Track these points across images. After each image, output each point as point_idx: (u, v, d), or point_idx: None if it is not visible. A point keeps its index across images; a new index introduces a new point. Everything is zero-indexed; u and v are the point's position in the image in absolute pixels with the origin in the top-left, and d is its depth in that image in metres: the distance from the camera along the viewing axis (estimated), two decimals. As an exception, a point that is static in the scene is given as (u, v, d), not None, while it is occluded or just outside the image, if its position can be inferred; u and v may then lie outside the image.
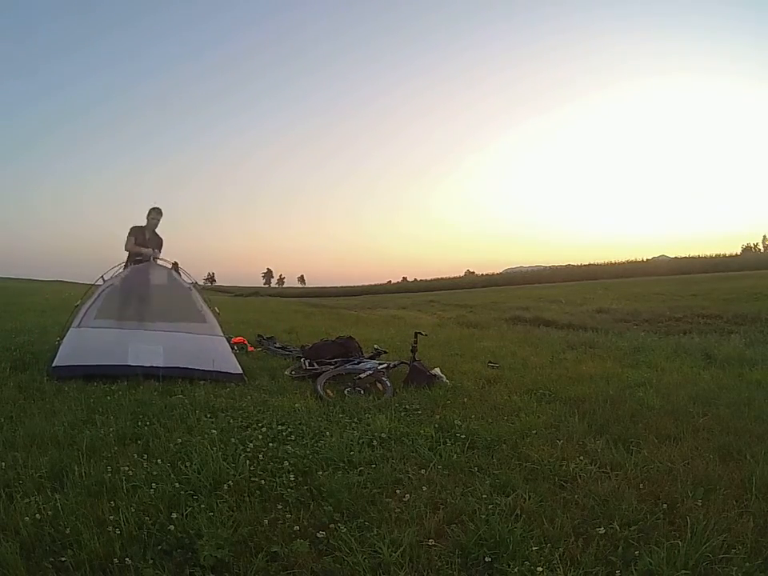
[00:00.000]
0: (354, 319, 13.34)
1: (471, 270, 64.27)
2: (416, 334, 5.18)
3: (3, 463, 2.59)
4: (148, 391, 4.11)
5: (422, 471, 2.65)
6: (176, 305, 4.94)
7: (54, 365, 4.54)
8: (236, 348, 6.19)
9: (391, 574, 1.82)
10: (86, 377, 4.41)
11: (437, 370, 4.88)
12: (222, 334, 4.97)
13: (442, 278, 54.11)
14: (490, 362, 5.87)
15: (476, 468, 2.70)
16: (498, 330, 10.06)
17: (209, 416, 3.53)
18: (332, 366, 4.99)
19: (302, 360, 5.32)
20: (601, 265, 43.87)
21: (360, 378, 4.56)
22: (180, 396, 3.98)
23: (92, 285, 5.05)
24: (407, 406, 3.84)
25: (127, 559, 1.83)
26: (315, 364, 5.16)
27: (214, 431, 3.13)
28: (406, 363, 4.95)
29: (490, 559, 1.89)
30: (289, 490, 2.39)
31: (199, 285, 5.69)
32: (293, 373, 5.14)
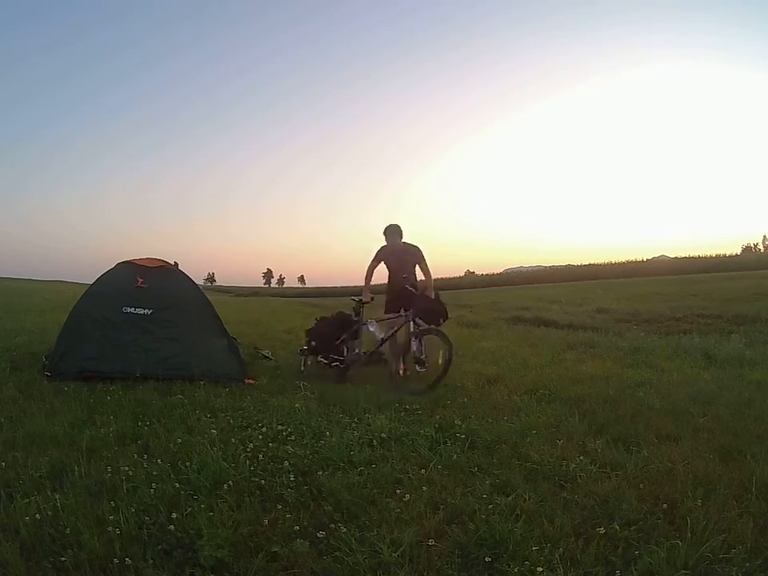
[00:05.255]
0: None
1: (471, 270, 64.07)
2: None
3: (3, 463, 2.60)
4: (148, 391, 4.11)
5: (422, 471, 2.65)
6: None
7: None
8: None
9: (391, 574, 1.82)
10: (85, 378, 4.41)
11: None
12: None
13: (442, 278, 53.97)
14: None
15: (476, 468, 2.70)
16: (498, 329, 10.04)
17: (209, 416, 3.54)
18: None
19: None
20: (601, 265, 43.72)
21: None
22: (180, 396, 3.98)
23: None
24: (407, 406, 3.84)
25: (127, 559, 1.83)
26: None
27: (214, 431, 3.13)
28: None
29: (490, 559, 1.88)
30: (289, 490, 2.39)
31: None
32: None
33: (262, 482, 2.47)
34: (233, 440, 2.97)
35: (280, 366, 5.68)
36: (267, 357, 6.10)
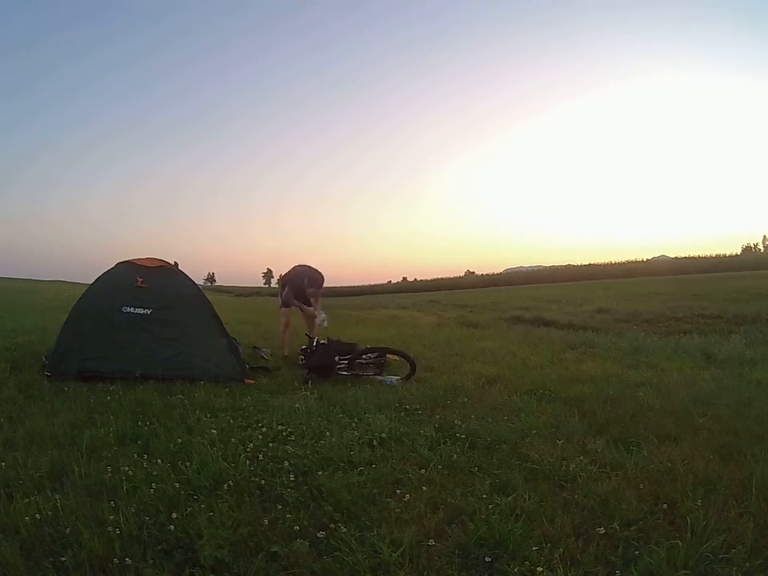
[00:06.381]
0: (354, 319, 13.32)
1: (471, 270, 64.03)
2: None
3: (3, 463, 2.60)
4: (148, 391, 4.11)
5: (422, 471, 2.65)
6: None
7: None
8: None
9: (391, 574, 1.82)
10: (85, 378, 4.41)
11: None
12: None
13: (441, 278, 53.94)
14: None
15: (476, 468, 2.70)
16: (498, 329, 10.04)
17: (209, 416, 3.54)
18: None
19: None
20: (601, 265, 43.78)
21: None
22: (180, 396, 3.98)
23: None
24: (407, 406, 3.84)
25: (127, 559, 1.83)
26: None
27: (213, 431, 3.13)
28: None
29: (490, 559, 1.89)
30: (289, 490, 2.39)
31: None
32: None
33: (262, 481, 2.47)
34: (233, 440, 2.97)
35: (280, 365, 5.68)
36: (264, 357, 6.10)
